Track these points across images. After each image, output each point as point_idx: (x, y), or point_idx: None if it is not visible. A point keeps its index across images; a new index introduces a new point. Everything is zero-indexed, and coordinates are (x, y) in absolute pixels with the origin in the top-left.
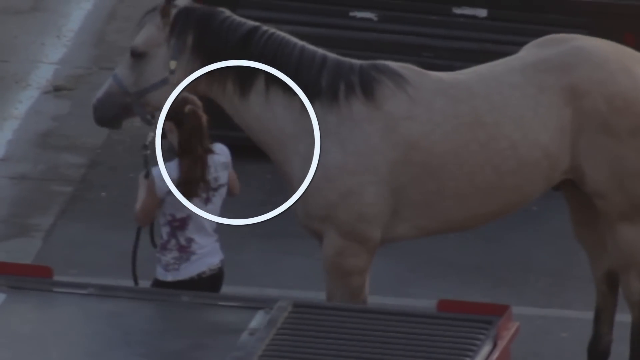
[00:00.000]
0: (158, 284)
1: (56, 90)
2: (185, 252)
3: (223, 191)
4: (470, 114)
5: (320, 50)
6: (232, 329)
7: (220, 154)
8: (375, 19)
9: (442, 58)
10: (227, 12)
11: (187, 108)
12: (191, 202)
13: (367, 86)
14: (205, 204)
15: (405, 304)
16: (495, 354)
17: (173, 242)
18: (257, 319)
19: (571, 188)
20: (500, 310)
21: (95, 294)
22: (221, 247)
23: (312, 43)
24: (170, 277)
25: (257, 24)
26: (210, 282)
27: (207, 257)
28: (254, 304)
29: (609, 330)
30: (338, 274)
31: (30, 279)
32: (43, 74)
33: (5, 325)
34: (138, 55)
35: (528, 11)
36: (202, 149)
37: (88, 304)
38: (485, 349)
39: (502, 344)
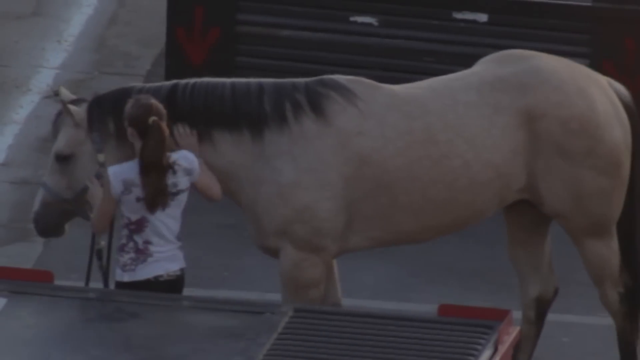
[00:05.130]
0: (117, 285)
1: (57, 95)
2: (142, 254)
3: (182, 197)
4: (423, 131)
5: (254, 80)
6: (233, 334)
7: (183, 159)
8: (376, 23)
9: (443, 63)
10: (138, 85)
11: (151, 119)
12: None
13: (315, 103)
14: (162, 209)
15: (406, 308)
16: (496, 359)
17: (131, 244)
18: (258, 324)
19: (511, 208)
20: (501, 315)
21: (96, 298)
22: (185, 256)
23: (313, 48)
24: (126, 278)
25: (174, 82)
26: (167, 287)
27: (164, 261)
28: (254, 309)
29: None
30: (296, 287)
31: (31, 283)
32: (44, 79)
33: (6, 330)
34: (64, 159)
35: (528, 16)
36: (166, 161)
37: (89, 308)
38: (486, 353)
39: (503, 349)
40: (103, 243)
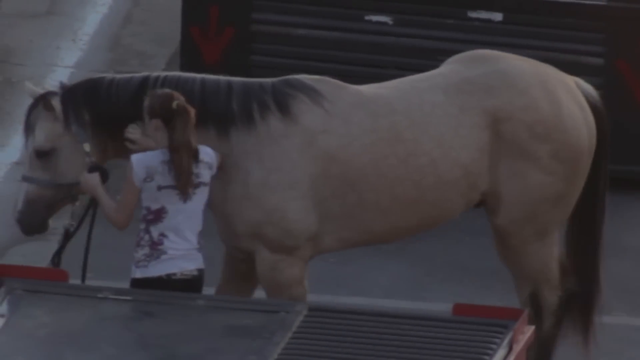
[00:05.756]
0: (130, 282)
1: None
2: (156, 249)
3: (204, 192)
4: (389, 130)
5: (223, 78)
6: (247, 333)
7: (204, 153)
8: (390, 22)
9: None
10: (109, 76)
11: (175, 103)
12: (171, 197)
13: (282, 103)
14: (184, 202)
15: (420, 307)
16: (511, 358)
17: (146, 237)
18: (273, 323)
19: None
20: (515, 315)
21: (110, 297)
22: (204, 258)
23: (328, 47)
24: (138, 274)
25: (145, 74)
26: (182, 286)
27: (179, 260)
28: (269, 308)
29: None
30: (277, 288)
31: (46, 282)
32: (58, 78)
33: (20, 328)
34: (45, 154)
35: (543, 15)
36: (194, 144)
37: (104, 307)
38: (501, 353)
39: (517, 348)
40: (73, 224)
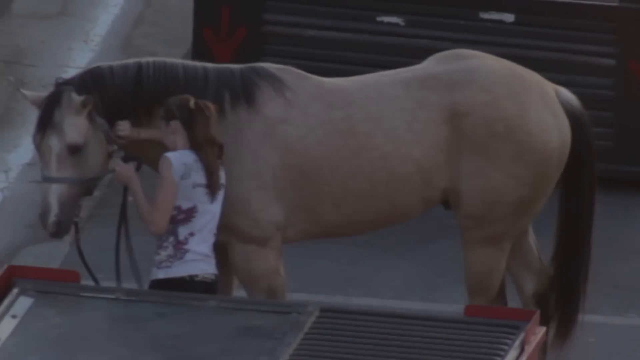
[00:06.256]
0: (151, 284)
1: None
2: (180, 248)
3: (223, 193)
4: (343, 121)
5: (200, 64)
6: (259, 334)
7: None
8: (402, 23)
9: None
10: (104, 64)
11: (192, 102)
12: (202, 196)
13: (248, 92)
14: (211, 202)
15: (432, 309)
16: (523, 359)
17: (171, 239)
18: (285, 324)
19: None
20: (527, 316)
21: (122, 298)
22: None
23: (339, 48)
24: (161, 274)
25: (136, 60)
26: (201, 289)
27: (201, 262)
28: (281, 309)
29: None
30: (254, 280)
31: (57, 283)
32: None
33: (32, 329)
34: (77, 150)
35: (555, 16)
36: (218, 140)
37: (115, 308)
38: (513, 354)
39: (529, 349)
40: (80, 216)
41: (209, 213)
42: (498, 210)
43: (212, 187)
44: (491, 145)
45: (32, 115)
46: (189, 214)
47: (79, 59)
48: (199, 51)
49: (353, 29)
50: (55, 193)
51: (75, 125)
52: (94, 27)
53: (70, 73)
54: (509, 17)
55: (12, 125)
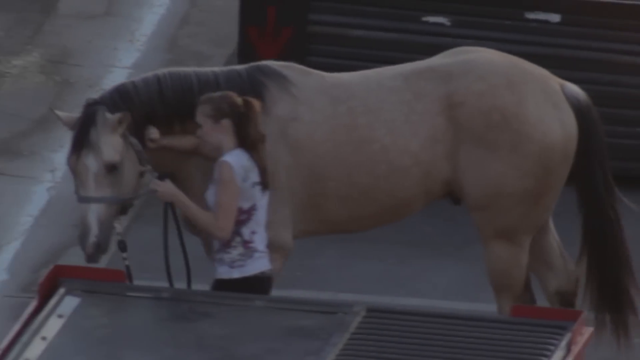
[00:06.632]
0: (221, 283)
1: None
2: (249, 247)
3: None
4: (346, 115)
5: (209, 69)
6: (305, 334)
7: None
8: (448, 23)
9: None
10: (127, 82)
11: (239, 99)
12: (259, 193)
13: (257, 92)
14: (262, 197)
15: (478, 309)
16: None
17: (237, 239)
18: (331, 324)
19: None
20: (573, 316)
21: (168, 298)
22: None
23: (385, 48)
24: (236, 274)
25: (152, 74)
26: (269, 285)
27: (266, 259)
28: (327, 309)
29: None
30: None
31: (104, 283)
32: (116, 79)
33: (79, 329)
34: (115, 169)
35: (601, 16)
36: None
37: (161, 308)
38: (559, 354)
39: (575, 350)
40: (121, 231)
41: (263, 208)
42: (502, 202)
43: (265, 183)
44: (489, 135)
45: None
46: (250, 213)
47: (124, 59)
48: (244, 51)
49: (398, 29)
50: (94, 213)
51: (111, 144)
52: (140, 27)
53: (115, 73)
54: (555, 17)
55: (58, 125)
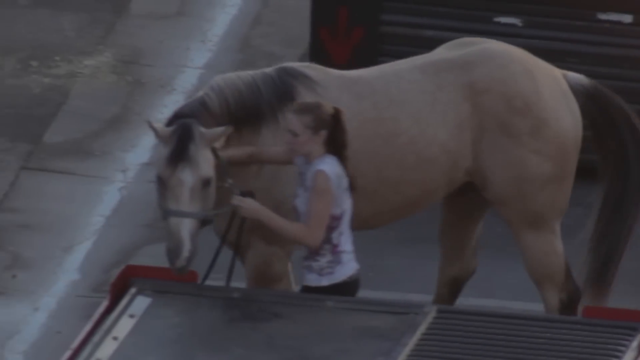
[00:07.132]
0: (310, 290)
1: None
2: (336, 252)
3: None
4: (371, 110)
5: (250, 72)
6: (376, 334)
7: None
8: (519, 24)
9: (586, 64)
10: (198, 95)
11: (330, 108)
12: (347, 198)
13: (289, 94)
14: (349, 199)
15: None
16: None
17: (327, 246)
18: (402, 324)
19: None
20: None
21: (240, 298)
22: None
23: None
24: (325, 282)
25: (209, 85)
26: (356, 287)
27: (353, 260)
28: (398, 309)
29: None
30: (267, 282)
31: (175, 283)
32: (188, 79)
33: (150, 329)
34: (208, 184)
35: None
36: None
37: (232, 308)
38: (630, 355)
39: None
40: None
41: (349, 210)
42: (526, 188)
43: (354, 187)
44: (511, 121)
45: (151, 116)
46: (340, 219)
47: (196, 59)
48: (316, 51)
49: (470, 29)
50: (187, 228)
51: (207, 159)
52: (212, 27)
53: (187, 73)
54: (627, 18)
55: (130, 125)
